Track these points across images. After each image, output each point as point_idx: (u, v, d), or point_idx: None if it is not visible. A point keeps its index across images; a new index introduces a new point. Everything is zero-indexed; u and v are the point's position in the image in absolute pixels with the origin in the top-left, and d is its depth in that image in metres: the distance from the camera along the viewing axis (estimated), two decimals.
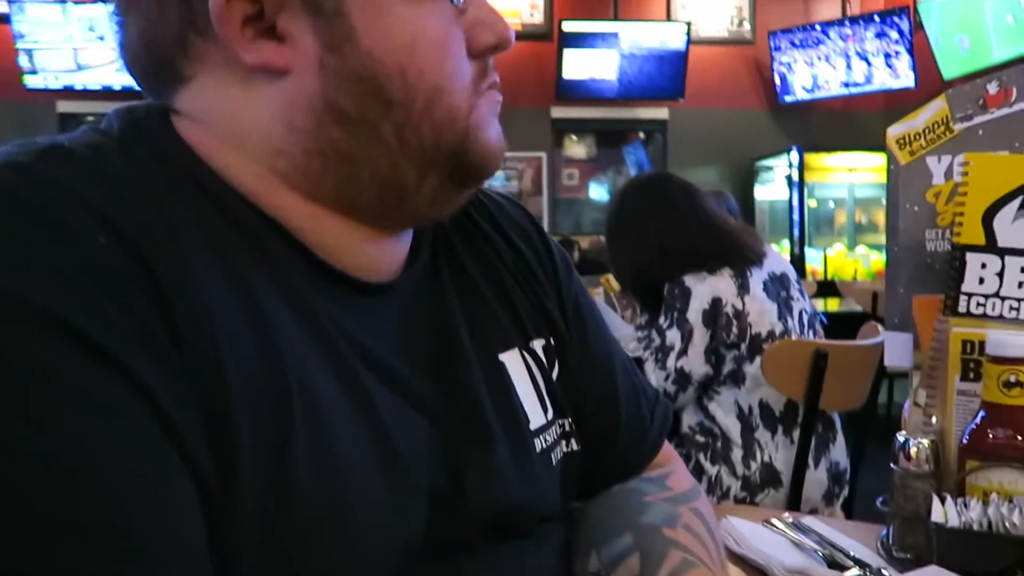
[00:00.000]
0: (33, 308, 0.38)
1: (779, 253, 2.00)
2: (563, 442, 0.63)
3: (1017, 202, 0.76)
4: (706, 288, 1.78)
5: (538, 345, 0.64)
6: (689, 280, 1.80)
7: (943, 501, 0.76)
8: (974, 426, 0.78)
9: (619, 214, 1.95)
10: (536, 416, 0.61)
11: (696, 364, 1.79)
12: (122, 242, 0.42)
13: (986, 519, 0.74)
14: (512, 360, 0.61)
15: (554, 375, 0.65)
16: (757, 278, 1.81)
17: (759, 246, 1.86)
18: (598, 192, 7.01)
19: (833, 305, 4.58)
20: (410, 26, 0.49)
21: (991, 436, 0.77)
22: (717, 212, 1.94)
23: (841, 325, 2.83)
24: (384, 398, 0.51)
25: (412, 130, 0.51)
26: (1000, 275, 0.77)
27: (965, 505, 0.75)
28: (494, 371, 0.60)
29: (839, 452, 1.84)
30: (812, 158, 6.39)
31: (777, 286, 1.84)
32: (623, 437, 0.70)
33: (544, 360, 0.64)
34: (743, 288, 1.79)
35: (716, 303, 1.77)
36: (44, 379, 0.38)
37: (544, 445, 0.61)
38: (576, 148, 7.07)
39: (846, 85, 6.50)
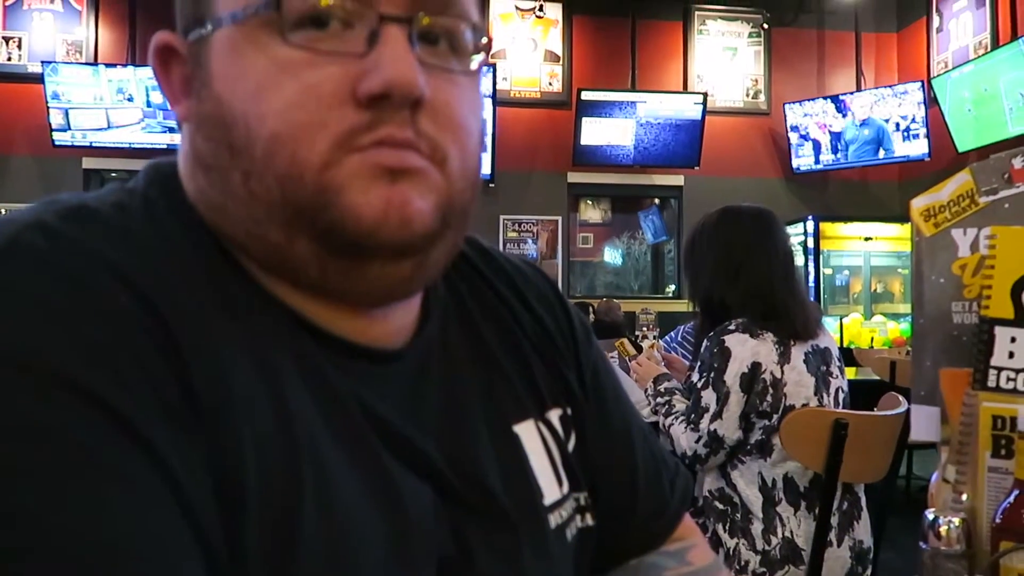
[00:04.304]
0: (50, 368, 0.38)
1: (828, 331, 1.91)
2: (578, 517, 0.61)
3: None
4: (747, 351, 1.74)
5: (554, 415, 0.63)
6: (730, 341, 1.75)
7: None
8: (1007, 505, 0.76)
9: (720, 229, 1.86)
10: (551, 490, 0.59)
11: (730, 429, 1.74)
12: (143, 304, 0.42)
13: None
14: (527, 432, 0.60)
15: (570, 446, 0.63)
16: (799, 349, 1.77)
17: (814, 326, 1.81)
18: (612, 256, 7.04)
19: (850, 374, 4.49)
20: (260, 72, 0.47)
21: None
22: (801, 280, 1.90)
23: (858, 394, 2.78)
24: (393, 464, 0.50)
25: (257, 180, 0.47)
26: None
27: None
28: (508, 443, 0.58)
29: (863, 531, 1.78)
30: (827, 227, 6.40)
31: (818, 360, 1.80)
32: (642, 508, 0.68)
33: (560, 431, 0.62)
34: (784, 356, 1.75)
35: (755, 367, 1.73)
36: (55, 441, 0.37)
37: (559, 521, 0.59)
38: (592, 212, 7.13)
39: (860, 155, 6.54)
